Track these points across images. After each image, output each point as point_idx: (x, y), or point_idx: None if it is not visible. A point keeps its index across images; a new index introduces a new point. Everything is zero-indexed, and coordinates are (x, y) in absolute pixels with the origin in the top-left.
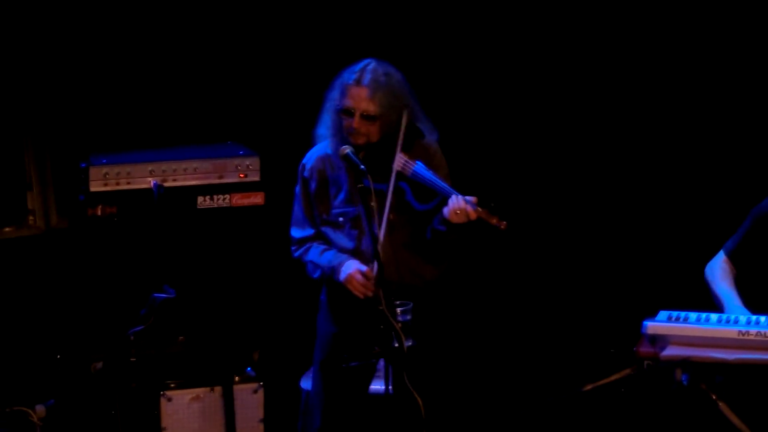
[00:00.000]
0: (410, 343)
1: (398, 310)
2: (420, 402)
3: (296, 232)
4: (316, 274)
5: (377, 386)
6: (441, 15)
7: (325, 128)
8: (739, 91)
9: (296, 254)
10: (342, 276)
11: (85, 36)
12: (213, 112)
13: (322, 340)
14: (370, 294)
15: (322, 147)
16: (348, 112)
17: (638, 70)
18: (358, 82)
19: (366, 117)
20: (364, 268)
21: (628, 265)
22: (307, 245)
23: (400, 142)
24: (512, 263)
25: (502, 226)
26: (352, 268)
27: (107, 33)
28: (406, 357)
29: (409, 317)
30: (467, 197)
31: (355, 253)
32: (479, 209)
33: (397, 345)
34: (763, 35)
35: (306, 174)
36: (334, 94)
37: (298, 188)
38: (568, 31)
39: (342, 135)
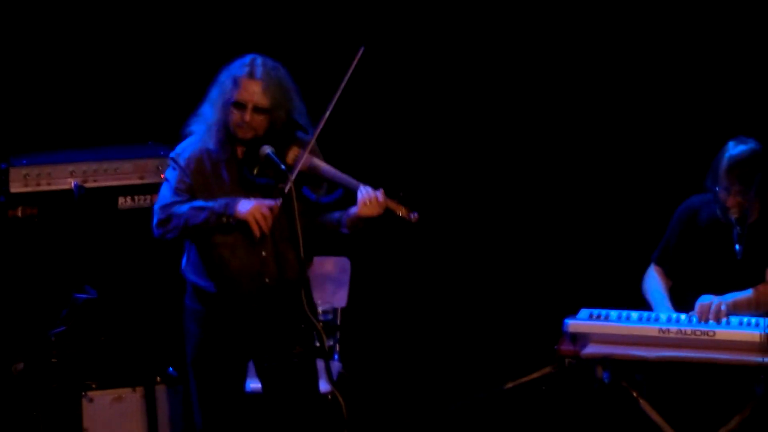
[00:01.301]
0: (330, 343)
1: (319, 309)
2: (342, 402)
3: (164, 202)
4: (200, 218)
5: (255, 384)
6: None
7: (203, 123)
8: (656, 91)
9: (161, 216)
10: (242, 207)
11: (1, 37)
12: (133, 113)
13: (193, 341)
14: (266, 231)
15: (197, 140)
16: (240, 105)
17: (551, 65)
18: (251, 75)
19: (258, 110)
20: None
21: (550, 263)
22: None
23: (313, 138)
24: (433, 261)
25: (413, 218)
26: (253, 201)
27: (24, 33)
28: (327, 356)
29: (330, 317)
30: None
31: (239, 250)
32: (388, 199)
33: (318, 344)
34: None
35: (183, 163)
36: (222, 88)
37: (171, 174)
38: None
39: (226, 130)
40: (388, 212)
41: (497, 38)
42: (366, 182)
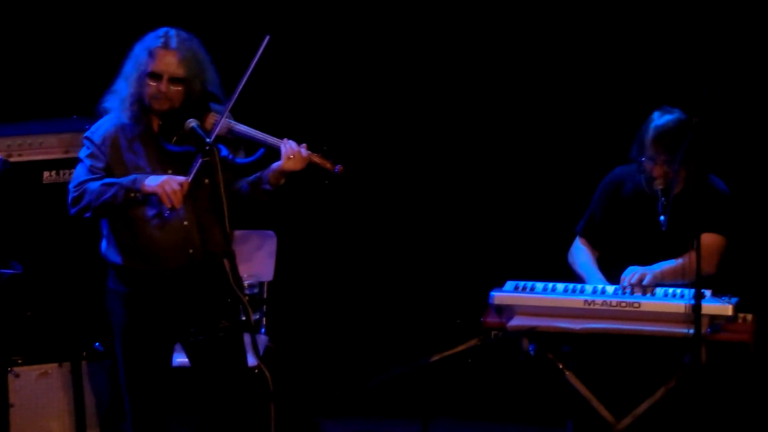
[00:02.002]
0: (257, 316)
1: (246, 283)
2: (268, 375)
3: (77, 180)
4: (109, 193)
5: (182, 358)
6: None
7: (117, 98)
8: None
9: (75, 194)
10: (150, 181)
11: None
12: (57, 87)
13: (119, 322)
14: (177, 206)
15: (112, 117)
16: (156, 76)
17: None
18: (166, 45)
19: (174, 80)
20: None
21: (476, 235)
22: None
23: (230, 104)
24: (359, 234)
25: (338, 171)
26: (164, 176)
27: None
28: (253, 329)
29: (255, 290)
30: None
31: (160, 223)
32: (312, 153)
33: (244, 318)
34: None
35: (97, 141)
36: (137, 60)
37: (85, 153)
38: None
39: (140, 103)
40: (312, 166)
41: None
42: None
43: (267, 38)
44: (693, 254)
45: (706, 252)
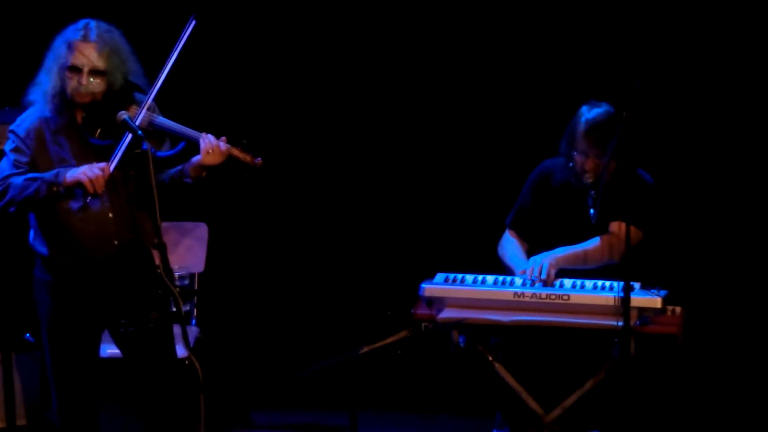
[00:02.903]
0: (187, 308)
1: (176, 274)
2: (198, 367)
3: (1, 175)
4: (32, 188)
5: (112, 349)
6: None
7: (40, 91)
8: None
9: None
10: (72, 172)
11: None
12: None
13: (46, 312)
14: (99, 191)
15: (36, 110)
16: (76, 69)
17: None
18: (86, 38)
19: (94, 73)
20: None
21: (406, 227)
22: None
23: (150, 96)
24: (290, 226)
25: (257, 163)
26: (85, 165)
27: None
28: (184, 321)
29: (186, 282)
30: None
31: (85, 214)
32: (231, 147)
33: (175, 309)
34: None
35: (22, 134)
36: (57, 53)
37: (10, 147)
38: None
39: (63, 96)
40: (232, 160)
41: None
42: (209, 132)
43: (192, 23)
44: (598, 241)
45: (616, 239)
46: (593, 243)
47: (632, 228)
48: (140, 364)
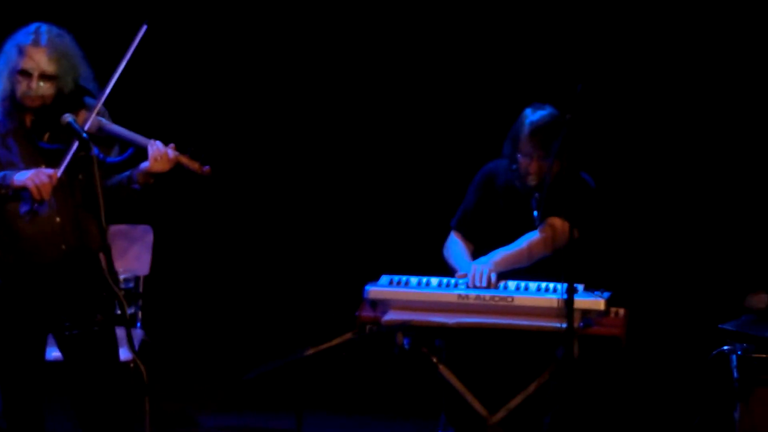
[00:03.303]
0: (132, 310)
1: (121, 277)
2: (143, 369)
3: None
4: None
5: (56, 353)
6: None
7: None
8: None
9: None
10: (20, 176)
11: None
12: None
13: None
14: (45, 197)
15: None
16: (26, 73)
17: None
18: (36, 42)
19: (45, 77)
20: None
21: (351, 229)
22: None
23: (100, 101)
24: (235, 228)
25: (205, 172)
26: (33, 170)
27: None
28: (129, 324)
29: (131, 284)
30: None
31: (32, 219)
32: (179, 154)
33: (119, 312)
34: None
35: None
36: (8, 57)
37: None
38: None
39: (13, 100)
40: (179, 167)
41: None
42: (158, 139)
43: (144, 28)
44: (537, 234)
45: (552, 231)
46: (533, 237)
47: (567, 225)
48: (83, 367)
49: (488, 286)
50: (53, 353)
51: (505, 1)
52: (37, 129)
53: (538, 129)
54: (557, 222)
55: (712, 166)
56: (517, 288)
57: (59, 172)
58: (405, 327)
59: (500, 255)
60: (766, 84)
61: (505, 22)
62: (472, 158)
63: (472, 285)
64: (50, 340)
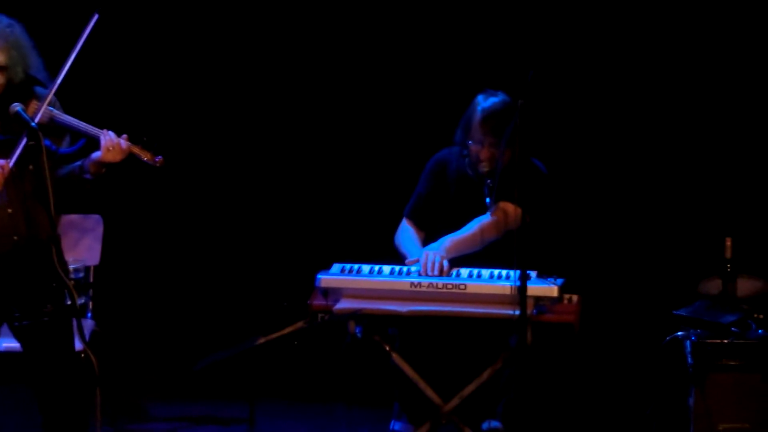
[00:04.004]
0: (83, 301)
1: (71, 267)
2: (94, 360)
3: None
4: None
5: (8, 343)
6: None
7: None
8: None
9: None
10: None
11: None
12: None
13: None
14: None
15: None
16: None
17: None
18: None
19: None
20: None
21: (303, 218)
22: None
23: (51, 92)
24: (186, 217)
25: (157, 162)
26: None
27: None
28: (79, 314)
29: (81, 275)
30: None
31: None
32: (131, 145)
33: (70, 302)
34: None
35: None
36: None
37: None
38: None
39: None
40: (132, 157)
41: None
42: (110, 129)
43: (95, 17)
44: (489, 217)
45: (503, 215)
46: (484, 220)
47: (519, 209)
48: (38, 357)
49: (440, 273)
50: (3, 344)
51: None
52: None
53: (489, 116)
54: (509, 206)
55: (664, 152)
56: (470, 275)
57: (11, 162)
58: (357, 315)
59: (451, 241)
60: (711, 68)
61: (457, 9)
62: (424, 145)
63: (424, 273)
64: (4, 330)
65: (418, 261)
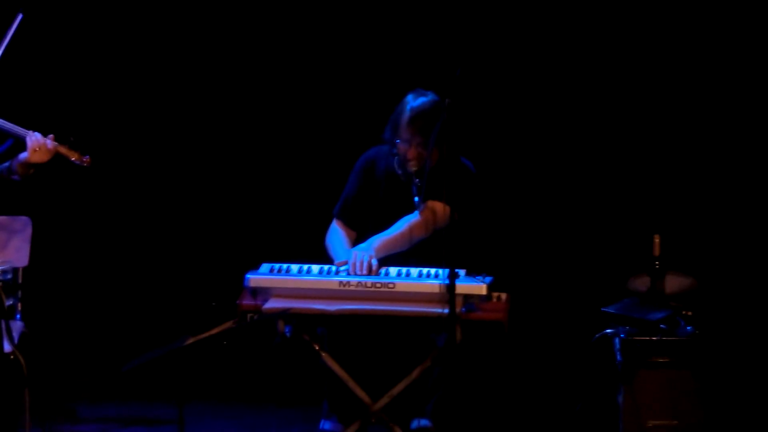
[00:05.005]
0: (11, 302)
1: None
2: (23, 362)
3: None
4: None
5: None
6: None
7: None
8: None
9: None
10: None
11: None
12: None
13: None
14: None
15: None
16: None
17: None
18: None
19: None
20: None
21: (231, 216)
22: None
23: None
24: (114, 219)
25: (85, 162)
26: None
27: None
28: (7, 315)
29: (10, 276)
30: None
31: None
32: (58, 145)
33: None
34: None
35: None
36: None
37: None
38: None
39: None
40: (59, 157)
41: None
42: (37, 129)
43: (19, 17)
44: (417, 216)
45: (431, 214)
46: (413, 219)
47: (448, 208)
48: None
49: (369, 273)
50: None
51: None
52: None
53: (417, 115)
54: (437, 205)
55: (592, 149)
56: (399, 274)
57: None
58: (286, 315)
59: (380, 240)
60: (634, 61)
61: (386, 8)
62: (354, 145)
63: (353, 273)
64: None
65: (347, 263)
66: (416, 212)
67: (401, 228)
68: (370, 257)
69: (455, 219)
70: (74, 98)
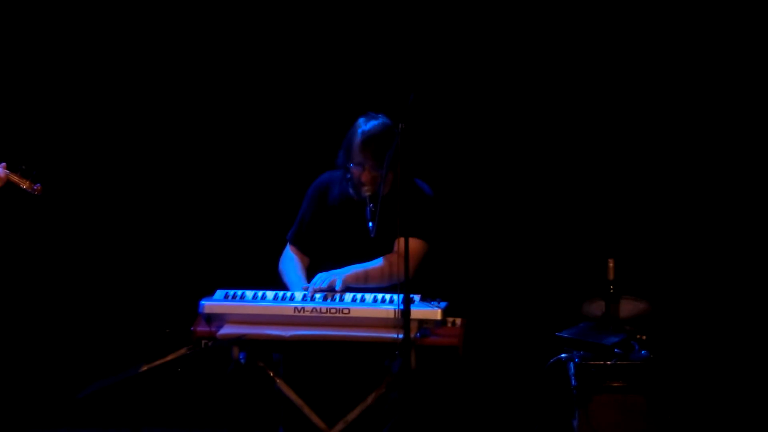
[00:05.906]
0: None
1: None
2: None
3: None
4: None
5: None
6: None
7: None
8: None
9: None
10: None
11: None
12: None
13: None
14: None
15: None
16: None
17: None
18: None
19: None
20: None
21: (185, 243)
22: None
23: None
24: (65, 240)
25: (36, 191)
26: None
27: None
28: None
29: None
30: None
31: None
32: (10, 173)
33: None
34: None
35: None
36: None
37: None
38: None
39: None
40: (11, 185)
41: None
42: None
43: None
44: (381, 261)
45: (399, 257)
46: (375, 263)
47: (417, 240)
48: None
49: (329, 288)
50: None
51: (339, 11)
52: None
53: (369, 139)
54: (411, 243)
55: (545, 173)
56: (354, 299)
57: None
58: (240, 341)
59: (347, 272)
60: (586, 90)
61: (338, 32)
62: (307, 169)
63: (312, 293)
64: None
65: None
66: (381, 258)
67: (365, 267)
68: (335, 279)
69: (426, 249)
70: (21, 121)
